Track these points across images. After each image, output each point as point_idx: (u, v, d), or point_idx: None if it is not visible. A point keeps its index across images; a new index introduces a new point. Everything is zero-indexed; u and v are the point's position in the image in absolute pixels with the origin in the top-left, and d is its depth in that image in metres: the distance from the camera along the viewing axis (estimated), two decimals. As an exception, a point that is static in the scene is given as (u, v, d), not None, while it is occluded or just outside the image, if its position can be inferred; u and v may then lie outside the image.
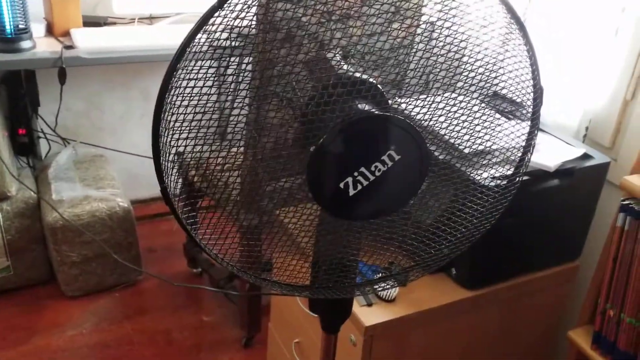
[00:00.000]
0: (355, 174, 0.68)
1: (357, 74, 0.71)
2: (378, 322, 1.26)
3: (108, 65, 2.34)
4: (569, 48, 1.62)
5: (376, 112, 0.68)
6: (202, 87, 0.67)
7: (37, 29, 2.04)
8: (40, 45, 1.97)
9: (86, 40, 1.99)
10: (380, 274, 0.94)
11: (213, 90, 0.69)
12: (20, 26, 1.89)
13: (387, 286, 0.94)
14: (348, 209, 0.71)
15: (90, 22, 2.20)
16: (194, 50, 0.68)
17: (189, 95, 0.68)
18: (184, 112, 0.68)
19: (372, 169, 0.68)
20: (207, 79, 0.67)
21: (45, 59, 1.91)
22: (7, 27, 1.87)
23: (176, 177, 0.76)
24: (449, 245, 0.83)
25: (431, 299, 1.34)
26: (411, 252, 0.85)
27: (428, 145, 0.72)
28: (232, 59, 0.79)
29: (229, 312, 2.17)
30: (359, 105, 0.68)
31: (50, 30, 2.11)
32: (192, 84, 0.67)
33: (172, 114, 0.69)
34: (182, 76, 0.67)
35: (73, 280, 2.16)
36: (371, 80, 0.71)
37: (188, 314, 2.18)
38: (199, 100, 0.70)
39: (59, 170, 2.26)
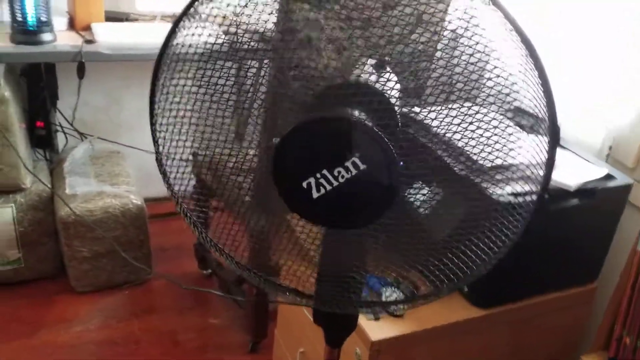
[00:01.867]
0: (318, 175, 0.68)
1: (361, 80, 0.69)
2: (385, 337, 1.23)
3: (128, 62, 2.34)
4: (595, 64, 1.58)
5: (340, 115, 0.67)
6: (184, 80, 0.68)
7: (59, 22, 2.04)
8: (61, 38, 1.97)
9: (107, 36, 1.99)
10: (386, 296, 0.92)
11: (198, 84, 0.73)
12: (42, 19, 1.90)
13: (393, 309, 0.91)
14: (314, 212, 0.71)
15: (113, 17, 2.21)
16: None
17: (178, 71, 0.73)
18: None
19: (335, 173, 0.67)
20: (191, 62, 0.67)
21: (65, 53, 1.91)
22: (29, 19, 1.87)
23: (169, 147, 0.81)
24: (460, 274, 0.80)
25: (441, 316, 1.30)
26: (426, 273, 0.82)
27: (398, 155, 0.69)
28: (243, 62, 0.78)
29: (236, 315, 2.15)
30: (350, 110, 0.67)
31: (72, 24, 2.11)
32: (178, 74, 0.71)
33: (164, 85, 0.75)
34: (171, 63, 0.72)
35: (83, 276, 2.15)
36: (376, 86, 0.69)
37: (195, 315, 2.16)
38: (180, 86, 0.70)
39: (75, 165, 2.26)
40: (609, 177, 1.38)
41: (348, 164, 0.66)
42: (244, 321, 2.10)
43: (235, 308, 2.17)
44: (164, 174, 0.87)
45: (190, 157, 0.85)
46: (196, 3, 0.76)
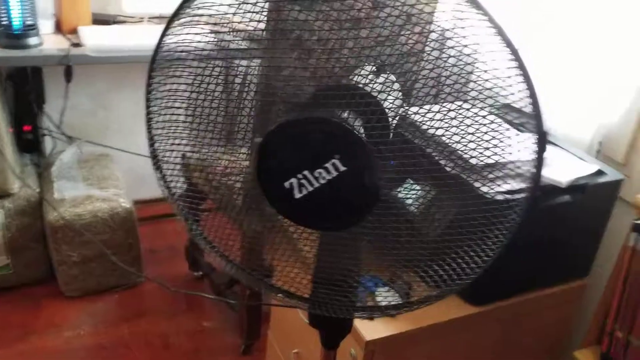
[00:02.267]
0: (300, 176, 0.68)
1: (351, 82, 0.69)
2: (379, 337, 1.23)
3: (116, 64, 2.33)
4: (584, 60, 1.59)
5: (320, 116, 0.67)
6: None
7: (46, 25, 2.03)
8: (48, 42, 1.95)
9: (94, 38, 1.98)
10: (381, 299, 0.92)
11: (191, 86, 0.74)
12: (28, 22, 1.88)
13: (386, 314, 0.91)
14: (297, 213, 0.71)
15: (100, 20, 2.19)
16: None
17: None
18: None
19: (316, 175, 0.67)
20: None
21: (52, 56, 1.90)
22: (15, 23, 1.86)
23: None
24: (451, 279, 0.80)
25: (435, 314, 1.30)
26: (421, 274, 0.82)
27: (388, 155, 0.69)
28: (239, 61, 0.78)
29: (228, 318, 2.14)
30: (338, 112, 0.67)
31: (59, 27, 2.10)
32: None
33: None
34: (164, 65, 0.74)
35: (72, 281, 2.14)
36: (365, 88, 0.69)
37: (187, 318, 2.15)
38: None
39: (63, 169, 2.24)
40: (599, 173, 1.39)
41: (328, 165, 0.66)
42: (237, 323, 2.09)
43: (227, 310, 2.17)
44: (159, 174, 0.86)
45: (182, 160, 0.85)
46: (186, 4, 0.75)
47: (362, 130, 0.67)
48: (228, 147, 0.82)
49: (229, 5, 0.73)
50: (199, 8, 0.74)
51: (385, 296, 1.20)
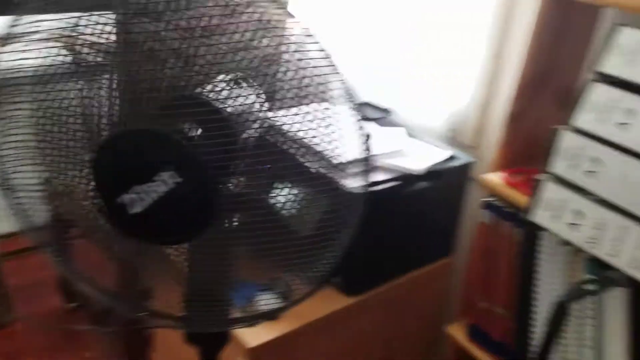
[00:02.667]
0: (132, 190, 0.66)
1: (197, 92, 0.69)
2: (262, 341, 1.23)
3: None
4: (432, 55, 1.69)
5: (149, 129, 0.66)
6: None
7: None
8: None
9: None
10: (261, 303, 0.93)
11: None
12: None
13: (266, 318, 0.92)
14: (135, 228, 0.69)
15: None
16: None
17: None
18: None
19: (150, 188, 0.66)
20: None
21: None
22: None
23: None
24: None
25: (315, 310, 1.33)
26: (294, 268, 0.84)
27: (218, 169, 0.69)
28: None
29: (111, 345, 2.05)
30: (183, 124, 0.66)
31: None
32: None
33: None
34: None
35: None
36: (209, 97, 0.69)
37: (67, 353, 2.03)
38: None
39: None
40: (452, 158, 1.49)
41: (161, 178, 0.65)
42: (120, 350, 2.01)
43: (108, 338, 2.08)
44: (13, 206, 0.82)
45: (41, 186, 0.80)
46: (17, 23, 0.72)
47: (200, 140, 0.67)
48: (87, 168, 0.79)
49: (66, 22, 0.70)
50: (33, 25, 0.71)
51: (265, 301, 1.21)
